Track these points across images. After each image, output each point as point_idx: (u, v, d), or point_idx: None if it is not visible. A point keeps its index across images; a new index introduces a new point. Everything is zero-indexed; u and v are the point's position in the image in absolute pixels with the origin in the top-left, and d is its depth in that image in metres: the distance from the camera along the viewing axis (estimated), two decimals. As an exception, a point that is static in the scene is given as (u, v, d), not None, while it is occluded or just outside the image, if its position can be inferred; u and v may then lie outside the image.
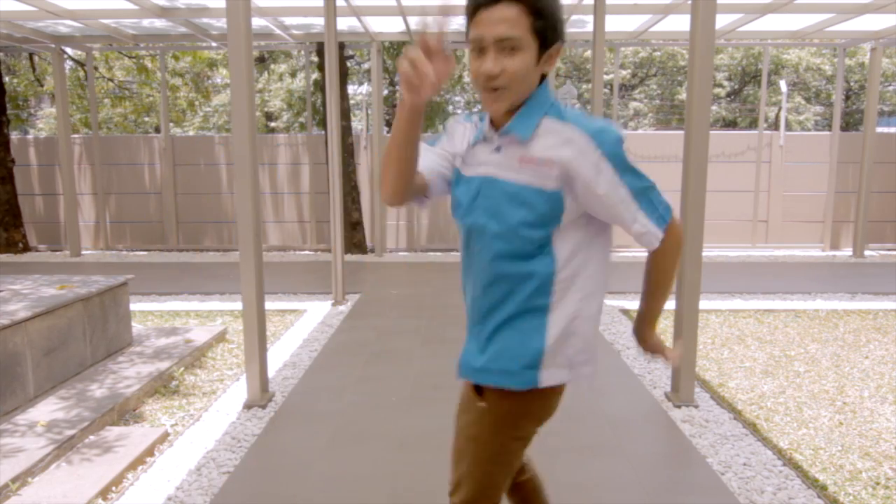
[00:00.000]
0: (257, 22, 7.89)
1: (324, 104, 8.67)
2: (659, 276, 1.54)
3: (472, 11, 1.39)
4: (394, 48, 11.08)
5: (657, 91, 20.01)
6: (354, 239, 9.22)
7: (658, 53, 18.63)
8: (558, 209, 1.43)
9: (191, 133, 18.14)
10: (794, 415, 3.59)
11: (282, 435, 3.31)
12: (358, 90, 18.00)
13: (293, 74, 16.37)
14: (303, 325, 5.47)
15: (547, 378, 1.51)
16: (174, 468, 3.00)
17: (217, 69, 15.00)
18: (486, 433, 1.56)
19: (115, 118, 15.39)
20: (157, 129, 16.42)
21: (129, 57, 12.45)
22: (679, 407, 3.64)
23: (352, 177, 9.11)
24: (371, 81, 9.32)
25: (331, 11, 5.74)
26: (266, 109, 17.57)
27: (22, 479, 2.75)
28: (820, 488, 2.80)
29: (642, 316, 1.62)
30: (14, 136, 10.38)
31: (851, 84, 18.20)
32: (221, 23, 7.99)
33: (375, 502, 2.66)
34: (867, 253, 9.03)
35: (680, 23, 8.06)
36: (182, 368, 4.26)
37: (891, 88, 18.03)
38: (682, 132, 7.61)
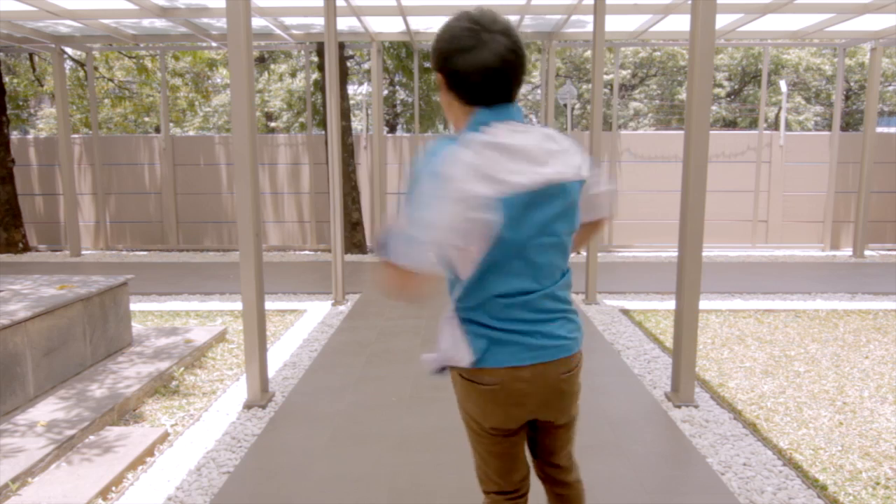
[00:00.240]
0: (257, 22, 7.89)
1: (324, 104, 8.67)
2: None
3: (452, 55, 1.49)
4: (394, 48, 11.08)
5: (657, 91, 20.02)
6: (354, 239, 9.22)
7: (658, 53, 18.64)
8: None
9: (191, 133, 18.15)
10: (794, 415, 3.59)
11: (282, 435, 3.31)
12: (358, 90, 18.01)
13: (293, 74, 16.37)
14: (303, 325, 5.47)
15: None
16: (174, 468, 3.00)
17: (217, 69, 14.98)
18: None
19: (115, 118, 15.39)
20: (157, 129, 16.43)
21: (129, 57, 12.45)
22: (679, 407, 3.64)
23: (352, 177, 9.11)
24: (371, 81, 9.32)
25: (331, 11, 5.74)
26: (266, 109, 17.57)
27: (22, 479, 2.75)
28: (820, 488, 2.80)
29: None
30: (14, 136, 10.38)
31: (851, 84, 18.20)
32: (221, 23, 7.99)
33: (375, 502, 2.66)
34: (867, 253, 9.03)
35: (680, 23, 8.06)
36: (182, 368, 4.26)
37: (891, 88, 18.04)
38: (682, 132, 7.62)
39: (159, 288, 6.88)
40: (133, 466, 2.98)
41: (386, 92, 15.71)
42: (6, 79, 11.91)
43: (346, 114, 8.92)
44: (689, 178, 3.52)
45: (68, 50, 10.80)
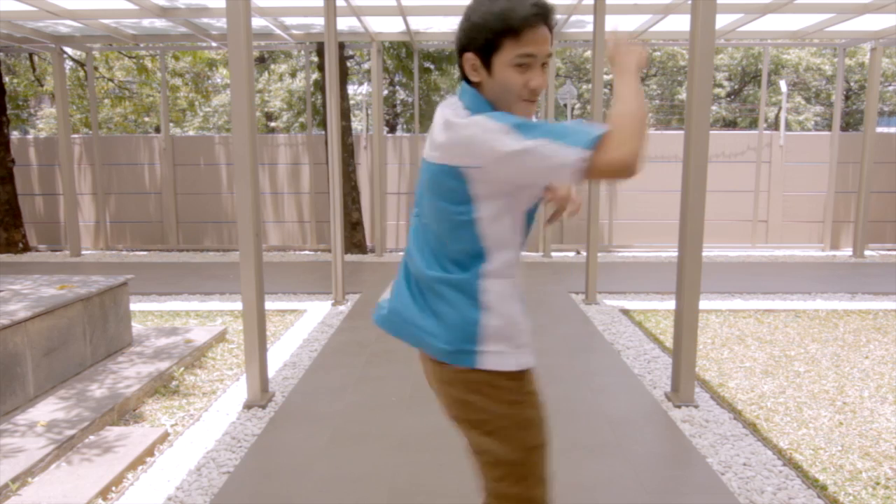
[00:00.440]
0: (257, 22, 7.89)
1: (324, 104, 8.67)
2: None
3: (517, 31, 1.42)
4: (394, 48, 11.08)
5: (657, 91, 20.03)
6: (354, 239, 9.22)
7: (658, 53, 18.64)
8: None
9: (191, 133, 18.15)
10: (794, 415, 3.59)
11: (282, 435, 3.31)
12: (358, 90, 18.02)
13: (293, 74, 16.38)
14: (303, 325, 5.47)
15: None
16: (174, 468, 3.00)
17: (217, 69, 15.00)
18: None
19: (115, 118, 15.38)
20: (157, 129, 16.43)
21: (129, 57, 12.45)
22: (679, 407, 3.64)
23: (352, 177, 9.11)
24: (371, 81, 9.32)
25: (331, 11, 5.74)
26: (266, 109, 17.57)
27: (22, 479, 2.75)
28: (820, 488, 2.80)
29: None
30: (14, 136, 10.39)
31: (851, 84, 18.20)
32: (221, 23, 7.99)
33: (375, 502, 2.66)
34: (867, 253, 9.03)
35: (680, 23, 8.06)
36: (182, 368, 4.26)
37: (891, 88, 18.04)
38: (682, 132, 7.62)
39: (159, 288, 6.88)
40: (133, 466, 2.98)
41: (386, 92, 15.71)
42: (6, 79, 11.91)
43: (346, 114, 8.92)
44: (689, 178, 3.52)
45: (68, 50, 10.80)
